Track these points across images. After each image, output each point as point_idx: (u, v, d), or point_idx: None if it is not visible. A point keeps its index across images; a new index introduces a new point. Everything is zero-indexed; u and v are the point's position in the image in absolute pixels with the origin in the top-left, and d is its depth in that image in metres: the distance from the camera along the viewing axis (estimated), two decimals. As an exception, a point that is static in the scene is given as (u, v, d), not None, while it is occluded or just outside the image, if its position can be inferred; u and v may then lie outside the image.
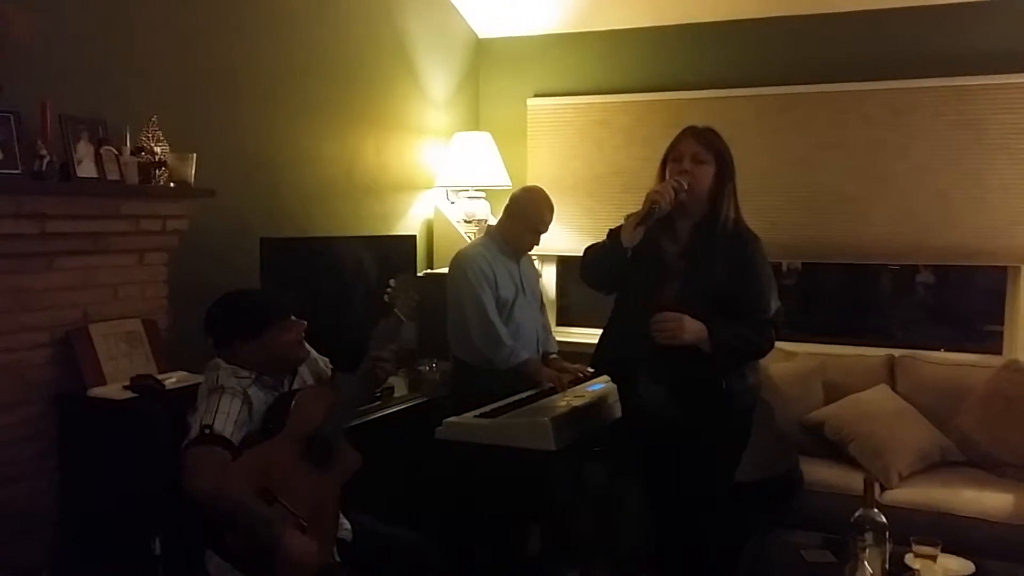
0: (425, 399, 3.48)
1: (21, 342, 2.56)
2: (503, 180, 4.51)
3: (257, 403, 2.38)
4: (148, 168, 2.80)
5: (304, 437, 2.35)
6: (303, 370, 2.57)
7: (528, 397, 3.09)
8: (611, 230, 2.66)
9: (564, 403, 2.92)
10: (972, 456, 3.65)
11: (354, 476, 2.44)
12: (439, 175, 4.57)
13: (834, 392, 3.92)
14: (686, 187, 2.58)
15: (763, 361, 4.12)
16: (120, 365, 2.73)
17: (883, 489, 3.48)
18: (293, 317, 2.46)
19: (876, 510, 2.40)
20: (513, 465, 2.68)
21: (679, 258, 2.66)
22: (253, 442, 2.31)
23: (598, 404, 2.93)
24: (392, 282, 2.53)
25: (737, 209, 2.68)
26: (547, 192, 3.61)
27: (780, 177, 4.34)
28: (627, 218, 2.63)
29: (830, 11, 4.16)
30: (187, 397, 2.64)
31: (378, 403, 3.29)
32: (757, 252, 2.66)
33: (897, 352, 4.07)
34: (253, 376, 2.40)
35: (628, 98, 4.62)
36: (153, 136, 2.85)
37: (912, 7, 4.03)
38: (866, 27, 4.13)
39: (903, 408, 3.78)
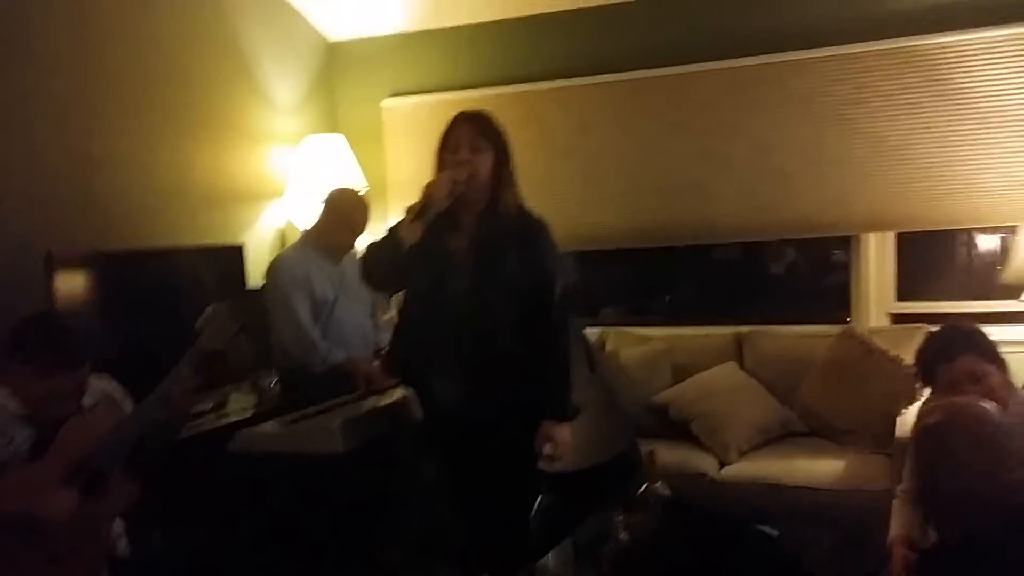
0: (250, 415, 3.29)
1: None
2: (359, 185, 4.45)
3: (21, 439, 2.24)
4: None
5: (71, 465, 2.21)
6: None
7: (343, 401, 3.03)
8: (391, 227, 2.54)
9: (370, 403, 2.87)
10: (813, 426, 3.67)
11: (127, 509, 2.32)
12: (290, 182, 4.50)
13: (683, 373, 3.93)
14: (464, 179, 2.51)
15: (613, 347, 4.14)
16: None
17: (722, 465, 3.49)
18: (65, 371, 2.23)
19: (661, 483, 2.42)
20: (304, 471, 2.60)
21: (466, 251, 2.59)
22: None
23: (404, 401, 2.89)
24: (208, 309, 2.36)
25: (517, 194, 2.63)
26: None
27: (632, 163, 4.35)
28: (408, 211, 2.54)
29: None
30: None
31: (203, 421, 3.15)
32: (546, 237, 2.63)
33: (745, 329, 4.08)
34: (26, 414, 2.25)
35: (481, 93, 4.56)
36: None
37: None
38: (697, 7, 4.16)
39: (746, 383, 3.81)
